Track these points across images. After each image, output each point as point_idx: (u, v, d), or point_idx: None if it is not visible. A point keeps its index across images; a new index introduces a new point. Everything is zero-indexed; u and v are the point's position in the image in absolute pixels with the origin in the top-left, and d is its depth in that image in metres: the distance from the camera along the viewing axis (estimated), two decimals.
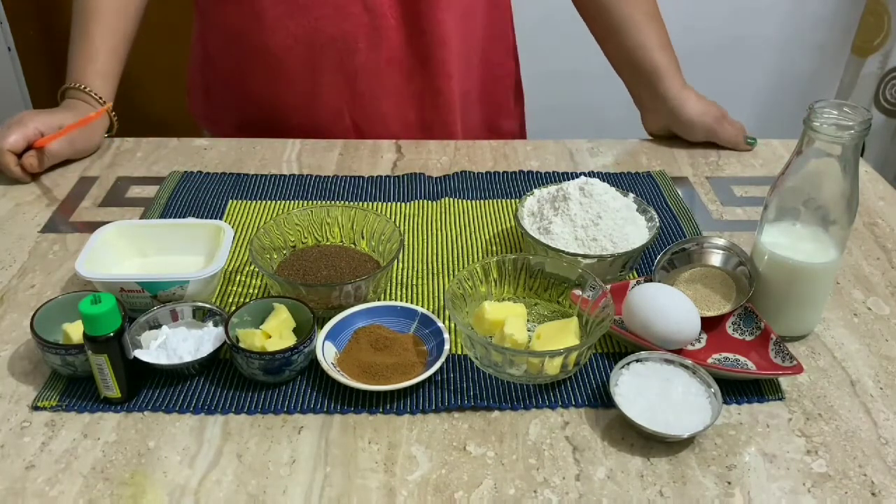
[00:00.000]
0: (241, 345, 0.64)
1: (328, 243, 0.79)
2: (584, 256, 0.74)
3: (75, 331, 0.64)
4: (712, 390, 0.62)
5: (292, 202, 0.90)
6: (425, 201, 0.90)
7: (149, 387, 0.64)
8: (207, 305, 0.69)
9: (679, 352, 0.66)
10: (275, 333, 0.65)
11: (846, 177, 0.64)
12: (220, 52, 1.06)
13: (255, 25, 0.99)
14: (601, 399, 0.64)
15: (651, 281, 0.73)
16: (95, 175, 0.94)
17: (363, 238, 0.78)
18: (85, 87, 0.97)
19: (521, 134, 1.22)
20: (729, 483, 0.57)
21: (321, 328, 0.67)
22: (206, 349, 0.65)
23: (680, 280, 0.73)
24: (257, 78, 1.03)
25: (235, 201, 0.90)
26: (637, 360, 0.65)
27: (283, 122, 1.05)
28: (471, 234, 0.85)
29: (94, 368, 0.61)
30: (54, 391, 0.63)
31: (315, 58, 0.99)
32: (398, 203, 0.90)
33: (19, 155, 0.92)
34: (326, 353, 0.65)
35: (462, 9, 1.02)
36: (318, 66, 1.00)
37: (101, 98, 0.97)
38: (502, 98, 1.17)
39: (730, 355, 0.68)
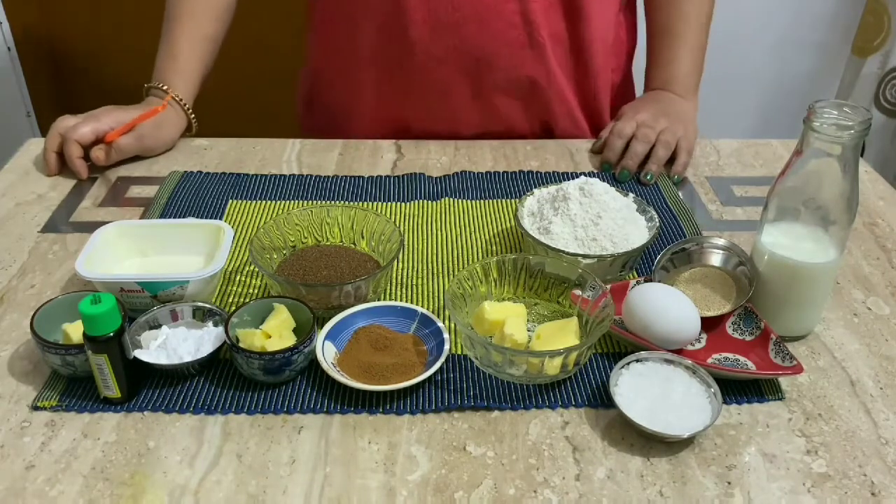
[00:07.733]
0: (241, 345, 0.64)
1: (328, 243, 0.79)
2: (584, 256, 0.74)
3: (75, 331, 0.64)
4: (712, 390, 0.62)
5: (292, 202, 0.90)
6: (425, 201, 0.90)
7: (149, 387, 0.64)
8: (207, 305, 0.69)
9: (679, 352, 0.66)
10: (275, 333, 0.65)
11: (846, 177, 0.64)
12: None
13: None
14: (601, 399, 0.64)
15: (651, 281, 0.73)
16: (95, 175, 0.94)
17: (363, 238, 0.78)
18: (163, 86, 0.98)
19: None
20: (729, 483, 0.57)
21: (321, 328, 0.67)
22: (206, 349, 0.65)
23: (680, 280, 0.73)
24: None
25: (235, 201, 0.90)
26: (637, 360, 0.65)
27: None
28: (471, 234, 0.85)
29: (94, 368, 0.61)
30: (54, 391, 0.63)
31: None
32: (398, 203, 0.90)
33: (87, 148, 0.93)
34: (326, 353, 0.65)
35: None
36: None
37: (178, 97, 0.98)
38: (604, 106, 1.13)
39: (730, 355, 0.68)
